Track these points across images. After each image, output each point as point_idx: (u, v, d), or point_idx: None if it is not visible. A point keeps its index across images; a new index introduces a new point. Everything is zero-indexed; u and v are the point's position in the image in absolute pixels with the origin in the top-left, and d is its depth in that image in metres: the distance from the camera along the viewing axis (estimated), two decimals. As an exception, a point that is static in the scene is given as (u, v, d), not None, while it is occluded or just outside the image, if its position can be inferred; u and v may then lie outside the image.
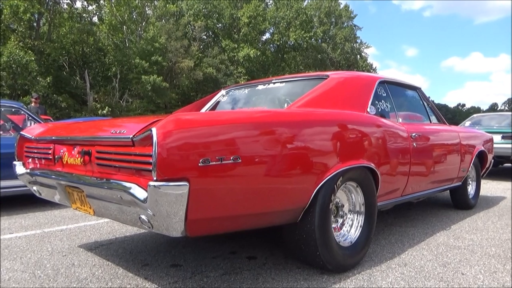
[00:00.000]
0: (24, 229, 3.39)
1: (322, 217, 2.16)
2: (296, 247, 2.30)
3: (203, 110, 3.42)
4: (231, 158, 1.66)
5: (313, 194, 2.11)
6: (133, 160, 1.64)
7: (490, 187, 6.35)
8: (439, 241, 3.10)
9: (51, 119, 8.14)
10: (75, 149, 2.02)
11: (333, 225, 2.40)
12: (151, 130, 1.49)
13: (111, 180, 1.74)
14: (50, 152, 2.27)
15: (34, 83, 17.79)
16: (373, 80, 3.05)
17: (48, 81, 18.88)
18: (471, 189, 4.55)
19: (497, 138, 7.24)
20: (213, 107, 3.42)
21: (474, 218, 4.00)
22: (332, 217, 2.41)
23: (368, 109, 2.77)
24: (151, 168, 1.49)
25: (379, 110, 2.95)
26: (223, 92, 3.52)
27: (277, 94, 3.14)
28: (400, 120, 3.15)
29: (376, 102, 2.95)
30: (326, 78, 2.78)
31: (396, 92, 3.33)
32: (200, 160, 1.56)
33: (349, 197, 2.54)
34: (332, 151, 2.21)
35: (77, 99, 21.68)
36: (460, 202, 4.39)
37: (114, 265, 2.47)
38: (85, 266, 2.44)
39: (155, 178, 1.46)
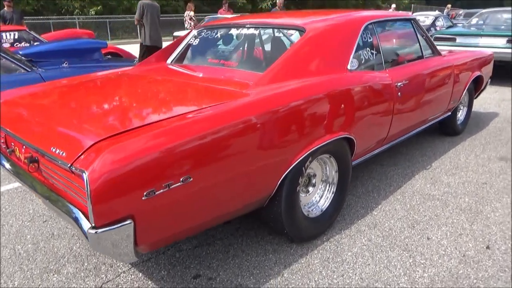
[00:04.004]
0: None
1: (288, 202, 2.14)
2: (265, 223, 2.34)
3: (174, 55, 3.13)
4: (181, 180, 1.56)
5: (278, 183, 2.05)
6: (74, 190, 1.54)
7: (485, 97, 6.18)
8: (415, 187, 3.13)
9: (27, 29, 7.55)
10: (23, 150, 1.90)
11: (303, 195, 2.40)
12: (83, 173, 1.36)
13: (59, 199, 1.67)
14: (3, 140, 2.15)
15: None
16: (358, 25, 2.70)
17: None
18: (461, 114, 4.43)
19: (501, 41, 6.80)
20: (184, 51, 3.13)
21: (458, 149, 3.97)
22: (303, 187, 2.40)
23: (349, 66, 2.52)
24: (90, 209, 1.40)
25: (362, 61, 2.68)
26: (194, 32, 3.18)
27: (250, 43, 2.83)
28: (387, 65, 2.89)
29: (360, 52, 2.67)
30: (303, 32, 2.46)
31: (385, 31, 3.00)
32: (144, 194, 1.46)
33: (323, 168, 2.48)
34: (298, 137, 2.07)
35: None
36: (447, 130, 4.33)
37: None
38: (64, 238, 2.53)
39: (93, 225, 1.39)
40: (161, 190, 1.50)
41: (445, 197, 2.99)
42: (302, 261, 2.24)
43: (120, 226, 1.41)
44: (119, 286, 2.07)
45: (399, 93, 2.85)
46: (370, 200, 2.94)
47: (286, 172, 2.04)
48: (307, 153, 2.10)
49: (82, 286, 2.08)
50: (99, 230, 1.38)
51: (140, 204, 1.46)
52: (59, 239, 2.52)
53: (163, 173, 1.50)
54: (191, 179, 1.59)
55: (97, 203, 1.35)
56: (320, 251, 2.34)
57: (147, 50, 6.73)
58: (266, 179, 1.99)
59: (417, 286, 2.03)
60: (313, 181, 2.46)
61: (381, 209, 2.81)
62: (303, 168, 2.15)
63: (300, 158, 2.07)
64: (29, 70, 4.12)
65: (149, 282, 2.11)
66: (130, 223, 1.43)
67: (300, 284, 2.06)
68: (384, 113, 2.76)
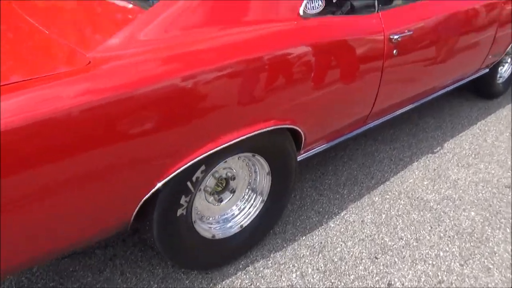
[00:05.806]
0: None
1: (164, 229, 1.40)
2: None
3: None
4: None
5: (137, 208, 1.29)
6: None
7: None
8: (405, 185, 2.26)
9: None
10: None
11: (213, 205, 1.64)
12: None
13: None
14: None
15: None
16: None
17: None
18: (504, 70, 3.26)
19: None
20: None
21: (488, 123, 2.93)
22: (214, 195, 1.63)
23: (302, 10, 1.54)
24: None
25: None
26: None
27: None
28: (381, 6, 1.86)
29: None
30: None
31: None
32: None
33: (249, 167, 1.67)
34: (171, 137, 1.25)
35: None
36: (482, 90, 3.24)
37: None
38: None
39: None
40: None
41: (443, 206, 2.12)
42: (192, 304, 1.57)
43: None
44: None
45: (394, 51, 1.86)
46: (335, 200, 2.14)
47: (148, 196, 1.27)
48: (188, 164, 1.29)
49: None
50: None
51: None
52: None
53: None
54: None
55: None
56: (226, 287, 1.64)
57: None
58: (108, 210, 1.24)
59: None
60: (232, 185, 1.67)
61: (342, 218, 2.02)
62: (189, 182, 1.37)
63: (175, 173, 1.27)
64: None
65: (-28, 315, 1.53)
66: None
67: None
68: (365, 83, 1.83)
